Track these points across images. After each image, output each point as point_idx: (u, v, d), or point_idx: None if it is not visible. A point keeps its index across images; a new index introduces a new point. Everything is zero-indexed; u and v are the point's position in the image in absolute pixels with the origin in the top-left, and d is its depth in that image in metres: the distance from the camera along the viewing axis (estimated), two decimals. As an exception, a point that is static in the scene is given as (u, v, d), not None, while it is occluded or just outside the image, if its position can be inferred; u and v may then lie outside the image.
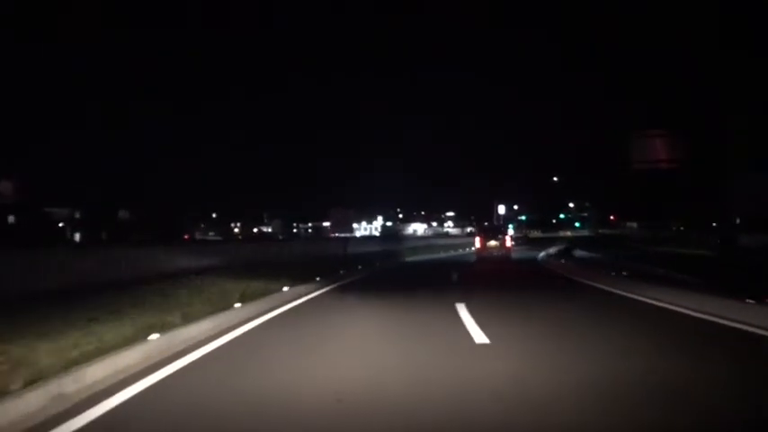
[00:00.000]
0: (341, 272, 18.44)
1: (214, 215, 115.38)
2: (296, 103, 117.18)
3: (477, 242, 29.65)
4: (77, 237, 57.08)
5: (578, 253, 33.66)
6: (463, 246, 49.43)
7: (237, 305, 9.88)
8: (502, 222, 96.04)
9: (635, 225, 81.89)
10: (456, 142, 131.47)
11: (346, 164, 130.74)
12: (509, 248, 29.09)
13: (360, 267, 21.12)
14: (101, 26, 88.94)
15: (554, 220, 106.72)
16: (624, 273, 15.90)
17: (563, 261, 26.82)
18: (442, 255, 38.86)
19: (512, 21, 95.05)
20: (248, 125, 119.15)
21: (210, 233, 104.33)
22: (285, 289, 12.94)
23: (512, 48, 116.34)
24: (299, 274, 15.62)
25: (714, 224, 78.44)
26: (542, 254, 36.35)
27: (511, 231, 72.35)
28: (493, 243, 28.76)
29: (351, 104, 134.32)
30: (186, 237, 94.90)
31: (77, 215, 58.29)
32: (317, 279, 15.74)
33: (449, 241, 55.18)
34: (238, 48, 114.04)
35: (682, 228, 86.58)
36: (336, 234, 43.59)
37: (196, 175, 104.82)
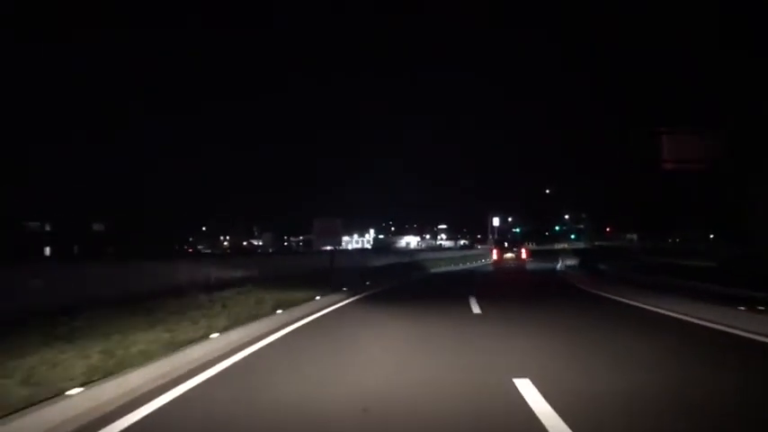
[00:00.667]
0: (316, 298, 13.06)
1: (204, 228, 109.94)
2: (296, 103, 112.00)
3: (495, 254, 29.88)
4: (47, 251, 51.47)
5: (600, 267, 28.27)
6: (463, 260, 44.04)
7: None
8: (496, 234, 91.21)
9: (635, 237, 76.93)
10: (455, 143, 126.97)
11: (346, 164, 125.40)
12: (524, 260, 28.80)
13: (345, 289, 15.73)
14: (101, 26, 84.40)
15: (546, 233, 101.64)
16: (742, 307, 9.65)
17: (595, 277, 21.45)
18: (443, 269, 33.57)
19: (512, 21, 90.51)
20: (248, 125, 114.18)
21: (199, 246, 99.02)
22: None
23: (512, 48, 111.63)
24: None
25: (712, 236, 74.00)
26: (559, 266, 33.30)
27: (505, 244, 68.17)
28: (509, 255, 28.82)
29: (351, 104, 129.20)
30: (190, 249, 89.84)
31: (47, 228, 52.49)
32: (278, 312, 10.41)
33: (445, 255, 49.66)
34: (238, 48, 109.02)
35: (678, 240, 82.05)
36: (324, 248, 38.16)
37: (195, 177, 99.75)
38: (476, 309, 11.49)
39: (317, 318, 10.60)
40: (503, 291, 17.56)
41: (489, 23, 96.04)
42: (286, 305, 11.18)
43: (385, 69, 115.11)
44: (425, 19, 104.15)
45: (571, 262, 36.36)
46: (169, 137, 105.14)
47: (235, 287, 14.06)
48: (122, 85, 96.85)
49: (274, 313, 10.25)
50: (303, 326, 9.53)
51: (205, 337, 7.55)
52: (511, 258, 28.76)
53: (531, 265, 31.76)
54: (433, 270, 31.51)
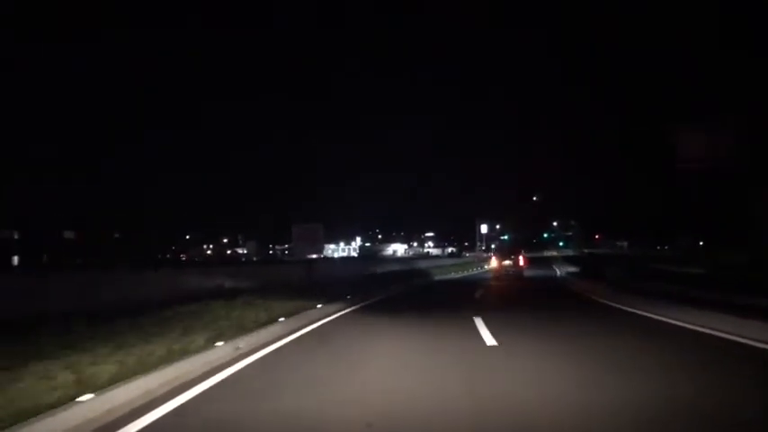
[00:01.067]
0: (280, 319, 9.95)
1: (188, 236, 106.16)
2: (295, 104, 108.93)
3: (494, 261, 29.63)
4: (15, 260, 47.85)
5: (603, 275, 25.14)
6: (454, 268, 41.02)
7: None
8: (484, 242, 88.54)
9: (625, 244, 74.49)
10: (454, 143, 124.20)
11: (338, 167, 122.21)
12: (521, 267, 28.33)
13: (319, 306, 12.62)
14: (101, 26, 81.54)
15: (534, 240, 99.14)
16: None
17: (604, 287, 18.36)
18: (434, 278, 30.59)
19: (512, 21, 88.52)
20: (248, 126, 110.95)
21: (182, 255, 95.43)
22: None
23: (512, 48, 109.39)
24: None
25: (701, 243, 71.94)
26: (559, 273, 32.26)
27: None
28: (507, 262, 28.37)
29: (351, 104, 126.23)
30: (183, 258, 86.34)
31: (16, 236, 48.81)
32: (218, 344, 7.33)
33: (435, 263, 46.48)
34: (238, 48, 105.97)
35: (666, 247, 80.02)
36: (309, 256, 34.87)
37: (193, 178, 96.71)
38: (487, 337, 8.36)
39: (264, 357, 7.51)
40: (510, 307, 14.48)
41: (489, 23, 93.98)
42: (230, 334, 8.10)
43: (385, 69, 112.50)
44: (425, 19, 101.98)
45: (570, 269, 33.86)
46: (169, 138, 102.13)
47: (194, 302, 11.08)
48: (122, 85, 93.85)
49: (210, 348, 7.16)
50: (236, 376, 6.44)
51: (64, 400, 4.46)
52: (509, 265, 28.30)
53: (528, 273, 29.71)
54: (423, 280, 28.41)
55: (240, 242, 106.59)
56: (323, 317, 11.42)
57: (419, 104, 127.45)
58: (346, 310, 12.89)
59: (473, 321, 10.13)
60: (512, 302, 15.72)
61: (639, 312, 11.24)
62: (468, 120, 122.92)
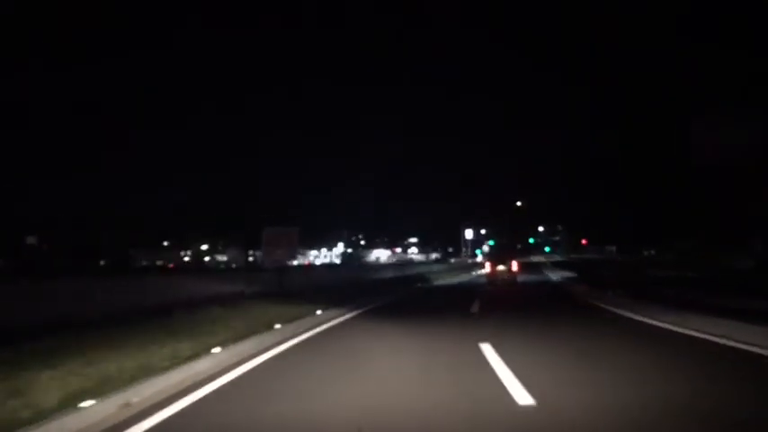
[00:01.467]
0: (214, 350, 7.18)
1: (165, 243, 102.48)
2: (295, 104, 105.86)
3: (487, 267, 29.32)
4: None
5: (606, 280, 22.60)
6: (441, 275, 38.56)
7: None
8: (469, 247, 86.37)
9: (614, 249, 72.72)
10: (454, 143, 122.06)
11: (345, 164, 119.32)
12: (515, 273, 28.01)
13: (278, 326, 9.86)
14: (100, 26, 78.41)
15: (519, 245, 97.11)
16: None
17: (615, 295, 15.77)
18: (422, 285, 28.50)
19: (512, 21, 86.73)
20: (248, 127, 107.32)
21: (158, 262, 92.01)
22: None
23: (512, 47, 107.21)
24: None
25: (697, 245, 70.39)
26: (556, 278, 31.57)
27: (480, 257, 65.95)
28: (501, 268, 27.80)
29: (351, 104, 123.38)
30: (171, 266, 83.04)
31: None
32: (91, 402, 4.54)
33: (421, 269, 43.40)
34: (238, 47, 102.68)
35: (653, 251, 78.53)
36: (290, 262, 32.10)
37: (182, 182, 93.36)
38: (512, 384, 5.49)
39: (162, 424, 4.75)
40: (518, 322, 11.65)
41: (489, 23, 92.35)
42: (128, 377, 5.36)
43: (385, 69, 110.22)
44: (425, 19, 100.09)
45: (564, 274, 33.90)
46: (169, 138, 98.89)
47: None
48: (121, 86, 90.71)
49: (70, 410, 4.41)
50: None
51: None
52: (503, 271, 27.69)
53: (520, 278, 28.75)
54: (409, 287, 25.75)
55: (219, 248, 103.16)
56: (283, 340, 8.66)
57: (419, 104, 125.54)
58: (311, 332, 10.11)
59: (479, 348, 7.47)
60: (517, 316, 12.97)
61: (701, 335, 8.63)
62: (468, 119, 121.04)
